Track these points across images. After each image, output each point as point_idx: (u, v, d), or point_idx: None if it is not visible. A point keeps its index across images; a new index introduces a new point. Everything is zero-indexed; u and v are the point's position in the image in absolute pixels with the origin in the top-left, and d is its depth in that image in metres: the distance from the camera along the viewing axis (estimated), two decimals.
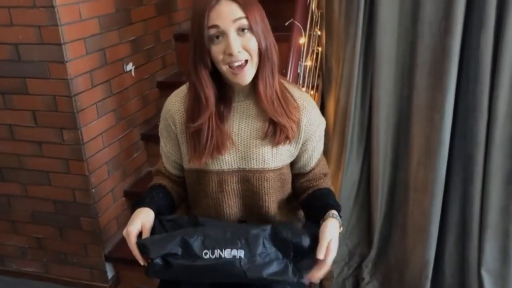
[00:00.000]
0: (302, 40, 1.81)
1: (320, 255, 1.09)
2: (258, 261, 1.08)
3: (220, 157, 1.21)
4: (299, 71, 1.82)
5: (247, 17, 1.10)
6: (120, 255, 2.17)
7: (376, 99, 1.88)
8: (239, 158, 1.22)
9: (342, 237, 2.09)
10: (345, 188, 2.08)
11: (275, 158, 1.23)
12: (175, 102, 1.26)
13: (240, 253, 1.08)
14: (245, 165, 1.23)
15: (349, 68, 1.85)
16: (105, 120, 2.11)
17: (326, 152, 1.97)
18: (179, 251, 1.08)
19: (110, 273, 2.23)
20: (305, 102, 1.26)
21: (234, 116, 1.23)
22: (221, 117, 1.21)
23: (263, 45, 1.13)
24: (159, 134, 1.33)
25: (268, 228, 1.13)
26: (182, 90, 1.27)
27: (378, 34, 1.79)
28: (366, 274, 2.05)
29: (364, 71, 1.90)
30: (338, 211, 1.20)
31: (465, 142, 1.83)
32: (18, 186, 2.14)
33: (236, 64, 1.12)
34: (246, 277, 1.08)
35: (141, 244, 1.11)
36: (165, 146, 1.32)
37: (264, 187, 1.24)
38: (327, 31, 1.91)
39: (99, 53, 2.03)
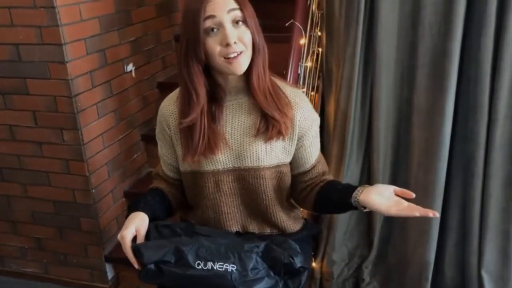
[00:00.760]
0: (303, 41, 1.81)
1: (406, 193, 1.12)
2: (249, 277, 1.10)
3: (215, 157, 1.22)
4: (299, 72, 1.83)
5: (241, 9, 1.13)
6: (120, 256, 2.14)
7: (376, 100, 1.88)
8: (233, 157, 1.23)
9: (342, 238, 2.09)
10: None
11: (269, 155, 1.23)
12: (169, 105, 1.28)
13: (232, 267, 1.09)
14: (240, 163, 1.23)
15: (349, 69, 1.85)
16: (105, 120, 2.11)
17: (326, 154, 1.97)
18: (172, 259, 1.10)
19: (110, 274, 2.23)
20: (297, 98, 1.27)
21: (226, 115, 1.24)
22: (213, 118, 1.22)
23: (257, 38, 1.16)
24: (156, 138, 1.35)
25: (262, 245, 1.15)
26: (176, 94, 1.28)
27: (378, 35, 1.79)
28: (366, 275, 2.05)
29: (364, 73, 1.90)
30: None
31: (466, 144, 1.83)
32: (18, 186, 2.14)
33: (232, 55, 1.13)
34: None
35: (136, 248, 1.11)
36: (162, 149, 1.34)
37: (260, 185, 1.25)
38: (328, 32, 1.91)
39: (100, 53, 2.03)
